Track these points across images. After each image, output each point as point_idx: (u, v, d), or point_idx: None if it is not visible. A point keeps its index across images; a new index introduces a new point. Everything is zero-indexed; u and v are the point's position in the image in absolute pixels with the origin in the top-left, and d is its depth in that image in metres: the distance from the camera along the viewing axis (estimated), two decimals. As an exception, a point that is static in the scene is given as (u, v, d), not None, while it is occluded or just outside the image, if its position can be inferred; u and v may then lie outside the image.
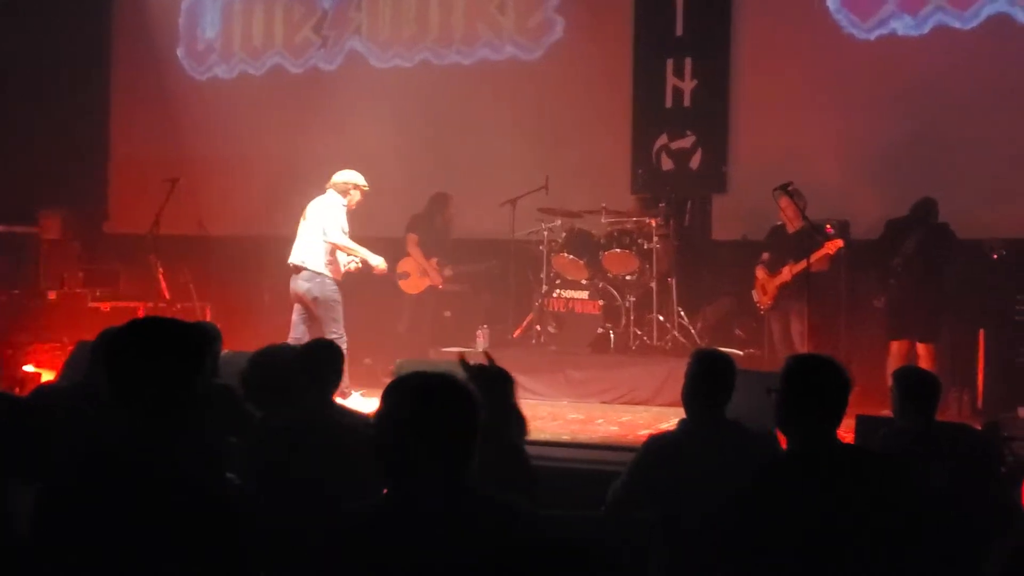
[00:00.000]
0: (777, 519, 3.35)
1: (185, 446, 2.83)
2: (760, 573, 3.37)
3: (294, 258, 9.03)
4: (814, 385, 3.52)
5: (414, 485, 2.70)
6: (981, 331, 8.93)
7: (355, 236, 9.07)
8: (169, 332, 2.79)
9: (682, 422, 4.52)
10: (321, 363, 4.89)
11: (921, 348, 8.72)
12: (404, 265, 10.47)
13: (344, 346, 7.79)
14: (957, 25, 9.83)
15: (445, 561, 2.60)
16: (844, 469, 3.44)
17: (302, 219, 9.14)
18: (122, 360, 2.75)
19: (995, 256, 8.87)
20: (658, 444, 4.47)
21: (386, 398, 2.78)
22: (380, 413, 2.77)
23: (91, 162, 12.78)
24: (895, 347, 8.83)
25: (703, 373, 4.49)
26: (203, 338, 2.85)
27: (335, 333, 8.54)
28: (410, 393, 2.76)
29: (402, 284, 10.48)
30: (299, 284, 8.95)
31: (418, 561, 2.62)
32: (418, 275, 10.47)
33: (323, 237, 8.89)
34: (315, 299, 8.87)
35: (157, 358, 2.73)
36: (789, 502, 3.37)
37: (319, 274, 8.89)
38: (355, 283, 9.28)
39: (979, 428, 6.29)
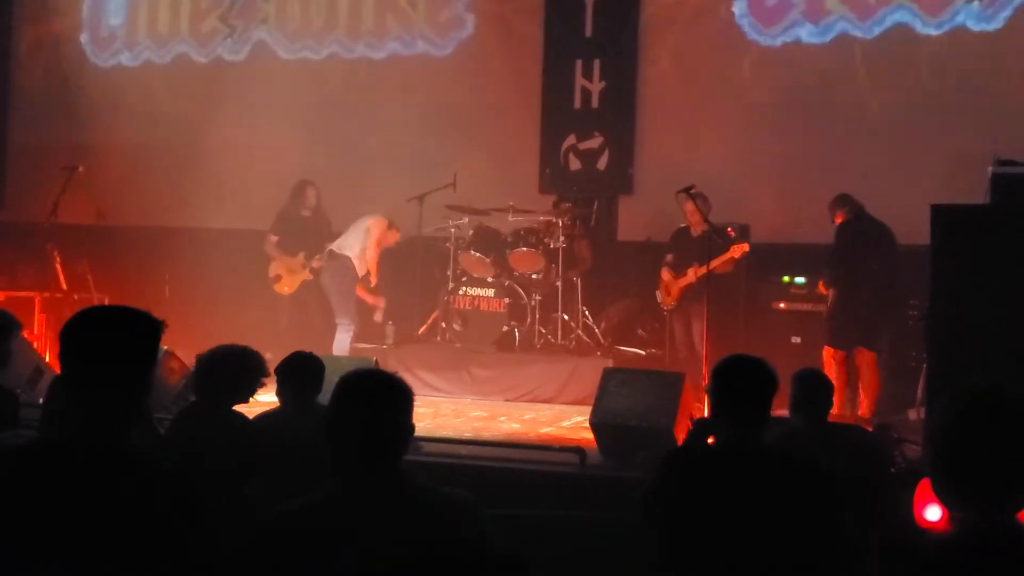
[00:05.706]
0: (689, 511, 3.45)
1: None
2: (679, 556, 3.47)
3: None
4: (734, 383, 3.61)
5: (359, 480, 2.73)
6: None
7: (253, 230, 8.98)
8: (129, 321, 2.68)
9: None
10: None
11: (869, 355, 8.62)
12: (274, 269, 10.33)
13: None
14: (859, 34, 10.05)
15: (397, 551, 2.60)
16: (764, 467, 3.53)
17: None
18: (86, 348, 2.62)
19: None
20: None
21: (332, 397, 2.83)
22: (326, 412, 2.82)
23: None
24: (837, 354, 8.55)
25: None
26: (155, 328, 2.73)
27: None
28: (343, 392, 2.80)
29: (276, 288, 10.33)
30: None
31: (368, 554, 2.63)
32: (288, 274, 10.29)
33: None
34: None
35: (121, 348, 2.62)
36: (703, 495, 3.46)
37: None
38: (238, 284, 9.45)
39: (870, 429, 6.46)
